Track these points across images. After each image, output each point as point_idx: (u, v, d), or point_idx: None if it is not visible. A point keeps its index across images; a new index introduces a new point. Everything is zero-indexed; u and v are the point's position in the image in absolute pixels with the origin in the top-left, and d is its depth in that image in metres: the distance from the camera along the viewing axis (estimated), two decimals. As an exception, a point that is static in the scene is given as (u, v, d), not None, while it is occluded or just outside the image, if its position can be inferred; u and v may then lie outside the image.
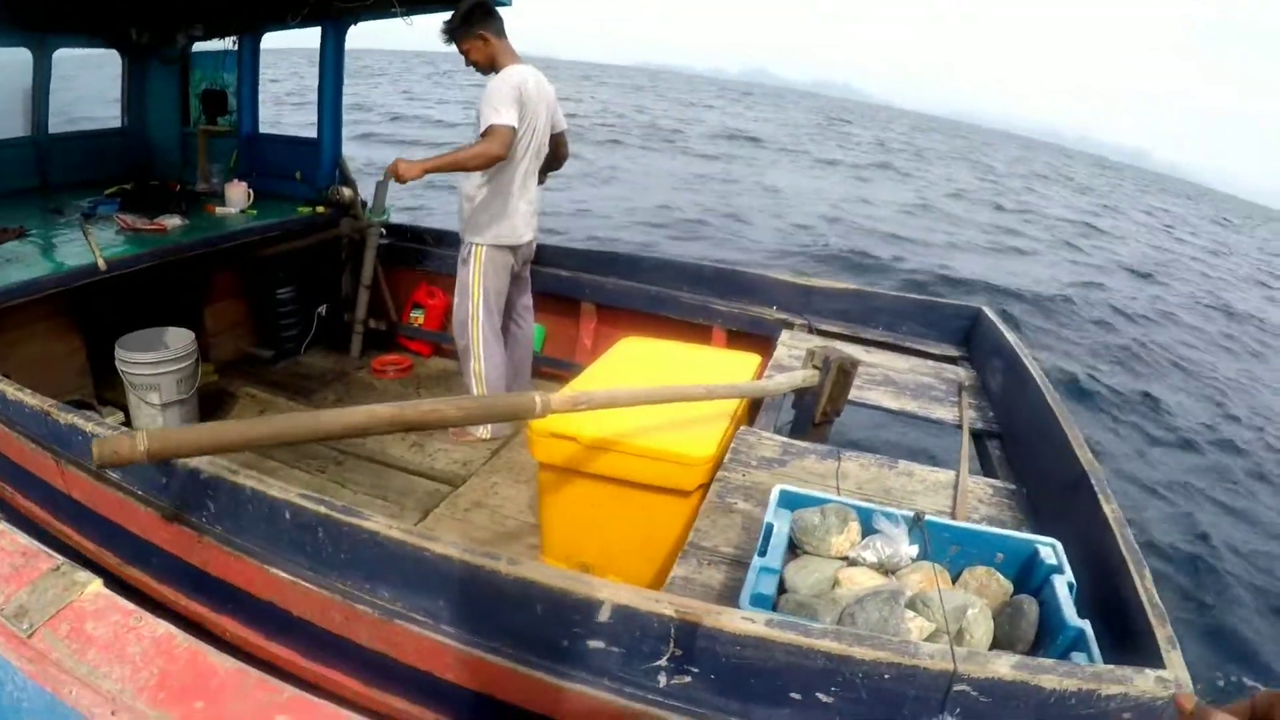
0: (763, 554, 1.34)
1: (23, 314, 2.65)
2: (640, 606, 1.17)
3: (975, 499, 1.83)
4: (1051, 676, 1.04)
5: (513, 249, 2.96)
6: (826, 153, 24.31)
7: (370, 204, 3.67)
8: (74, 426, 1.74)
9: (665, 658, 1.18)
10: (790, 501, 1.54)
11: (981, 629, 1.25)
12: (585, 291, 3.53)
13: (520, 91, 2.68)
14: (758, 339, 3.06)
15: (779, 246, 10.14)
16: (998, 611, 1.32)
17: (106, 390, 3.18)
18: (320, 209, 3.72)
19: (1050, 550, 1.37)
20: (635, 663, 1.20)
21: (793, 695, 1.13)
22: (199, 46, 4.11)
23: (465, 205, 2.93)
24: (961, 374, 2.70)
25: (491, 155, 2.66)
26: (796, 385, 2.21)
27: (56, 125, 3.97)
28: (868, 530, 1.48)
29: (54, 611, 0.96)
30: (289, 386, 3.60)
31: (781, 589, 1.40)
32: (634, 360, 2.53)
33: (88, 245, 2.88)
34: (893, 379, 2.60)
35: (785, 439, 2.09)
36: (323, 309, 3.97)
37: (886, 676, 1.07)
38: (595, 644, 1.22)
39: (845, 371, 2.18)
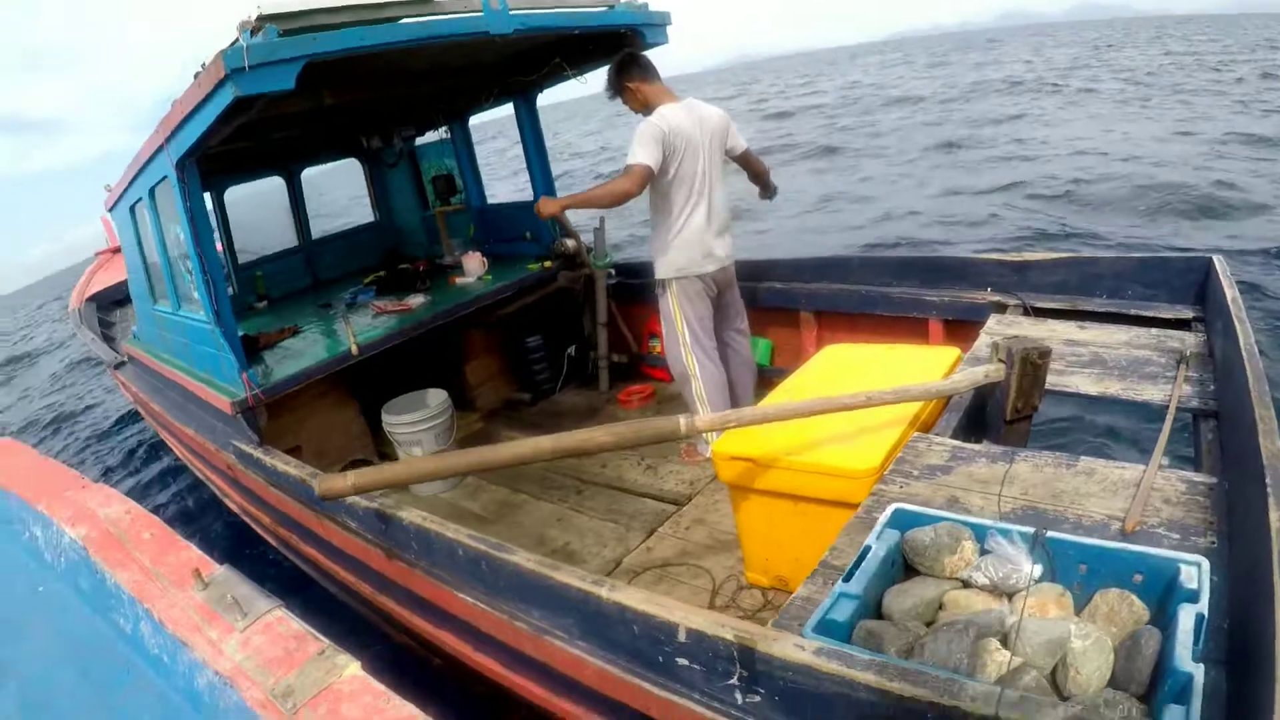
0: (848, 578, 1.35)
1: (304, 395, 3.21)
2: (706, 630, 1.28)
3: (1161, 499, 1.57)
4: None
5: (699, 277, 3.05)
6: (1090, 83, 20.39)
7: (593, 250, 4.04)
8: None
9: (735, 677, 1.26)
10: (904, 521, 1.51)
11: (1092, 665, 1.12)
12: (801, 301, 3.56)
13: (663, 131, 2.80)
14: (974, 325, 2.84)
15: (1024, 220, 8.73)
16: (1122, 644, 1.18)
17: (386, 446, 3.65)
18: (548, 263, 4.12)
19: (1193, 571, 1.18)
20: (714, 679, 1.31)
21: None
22: (422, 139, 4.84)
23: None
24: (1189, 341, 2.29)
25: (622, 192, 2.77)
26: (978, 383, 2.03)
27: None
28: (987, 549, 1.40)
29: (315, 693, 1.02)
30: (544, 425, 3.95)
31: (881, 613, 1.38)
32: (831, 367, 2.54)
33: (346, 333, 3.38)
34: (1102, 357, 2.28)
35: (957, 443, 1.94)
36: (572, 350, 4.33)
37: (928, 715, 1.04)
38: (682, 661, 1.35)
39: (1033, 364, 1.95)
